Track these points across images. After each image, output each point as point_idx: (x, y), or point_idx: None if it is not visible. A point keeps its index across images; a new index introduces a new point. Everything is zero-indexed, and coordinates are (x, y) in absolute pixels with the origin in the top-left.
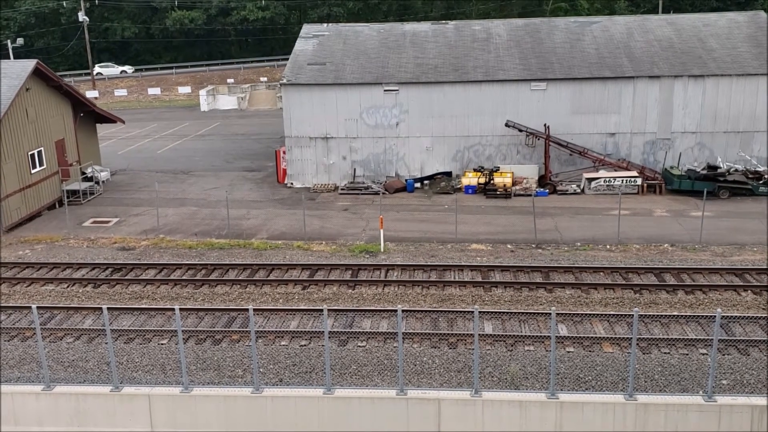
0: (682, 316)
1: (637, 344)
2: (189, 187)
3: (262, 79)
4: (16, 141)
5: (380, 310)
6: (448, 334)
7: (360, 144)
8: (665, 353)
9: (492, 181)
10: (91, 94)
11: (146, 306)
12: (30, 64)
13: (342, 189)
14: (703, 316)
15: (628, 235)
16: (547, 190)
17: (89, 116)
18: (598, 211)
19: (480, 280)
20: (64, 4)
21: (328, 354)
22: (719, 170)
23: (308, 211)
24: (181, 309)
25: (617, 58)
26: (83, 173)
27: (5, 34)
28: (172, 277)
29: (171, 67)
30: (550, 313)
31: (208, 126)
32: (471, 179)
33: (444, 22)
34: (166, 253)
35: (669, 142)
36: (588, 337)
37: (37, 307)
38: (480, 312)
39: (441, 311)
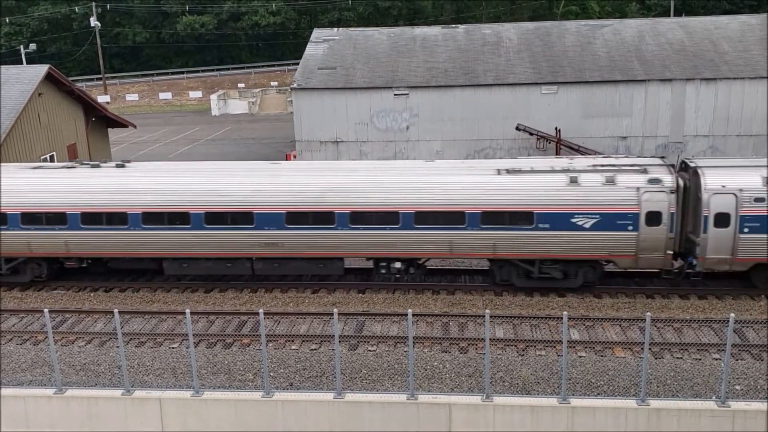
0: (695, 320)
1: (650, 349)
2: None
3: (272, 83)
4: (29, 145)
5: (391, 314)
6: (459, 338)
7: (370, 148)
8: (678, 358)
9: None
10: (102, 98)
11: (157, 309)
12: (42, 69)
13: None
14: (716, 320)
15: None
16: None
17: (101, 121)
18: None
19: (491, 284)
20: (76, 10)
21: (338, 358)
22: None
23: None
24: (191, 313)
25: (628, 61)
26: None
27: (18, 39)
28: (182, 281)
29: (182, 72)
30: (561, 318)
31: (219, 130)
32: None
33: (454, 26)
34: None
35: (681, 145)
36: (600, 341)
37: (49, 311)
38: (491, 316)
39: (452, 315)
